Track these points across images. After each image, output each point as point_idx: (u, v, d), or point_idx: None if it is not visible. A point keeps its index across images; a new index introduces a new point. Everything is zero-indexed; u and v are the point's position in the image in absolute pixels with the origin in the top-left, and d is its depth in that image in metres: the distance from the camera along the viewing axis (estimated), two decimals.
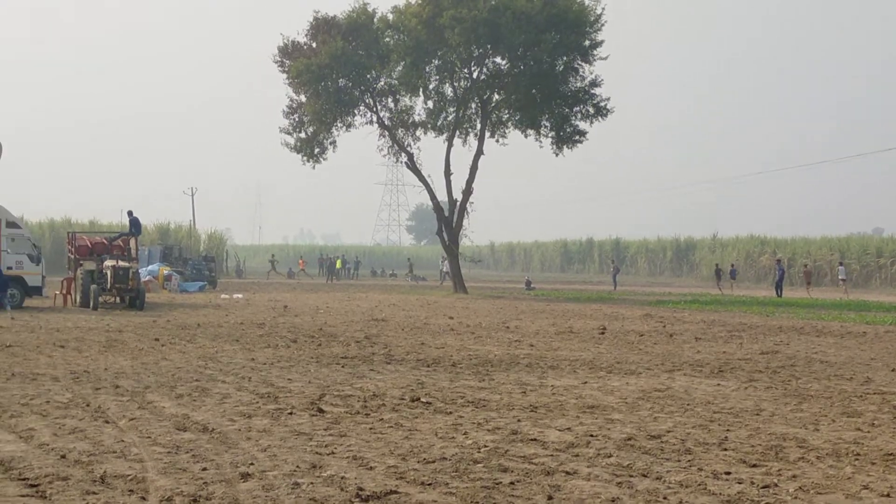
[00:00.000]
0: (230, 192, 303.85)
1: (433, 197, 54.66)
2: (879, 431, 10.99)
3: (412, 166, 54.73)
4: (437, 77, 53.23)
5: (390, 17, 52.03)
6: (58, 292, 36.24)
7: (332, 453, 9.36)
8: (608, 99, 51.32)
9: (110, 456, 9.08)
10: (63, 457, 8.99)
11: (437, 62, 52.00)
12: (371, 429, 10.72)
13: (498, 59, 52.55)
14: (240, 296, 44.92)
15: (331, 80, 51.54)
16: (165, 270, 51.65)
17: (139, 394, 13.11)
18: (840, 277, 62.40)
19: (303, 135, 54.07)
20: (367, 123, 54.80)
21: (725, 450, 9.80)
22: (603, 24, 50.17)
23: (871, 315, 34.75)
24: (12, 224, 33.93)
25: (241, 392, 13.44)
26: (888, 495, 7.93)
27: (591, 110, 51.48)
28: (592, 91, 51.29)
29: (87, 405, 12.04)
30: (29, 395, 12.76)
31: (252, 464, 8.78)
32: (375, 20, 52.23)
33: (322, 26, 51.74)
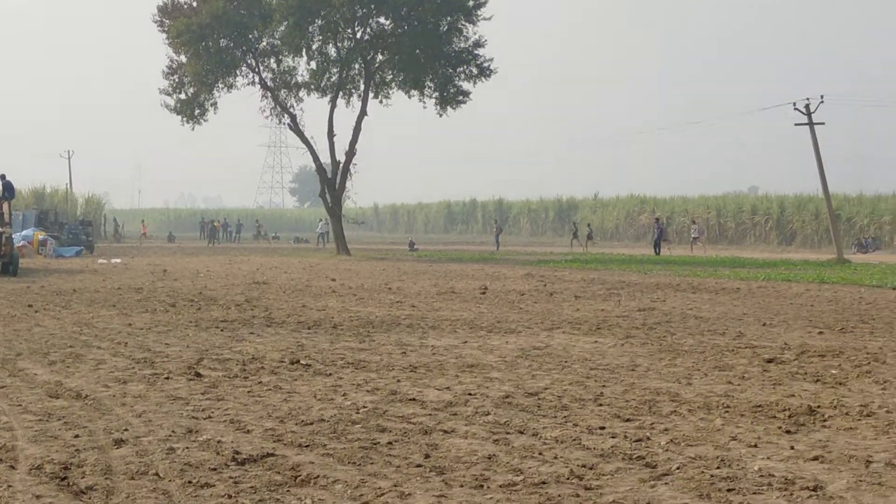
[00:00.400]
0: (109, 155, 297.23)
1: (316, 159, 54.33)
2: (749, 384, 11.28)
3: (295, 128, 54.34)
4: (321, 37, 52.77)
5: None
6: None
7: (209, 417, 9.27)
8: (492, 59, 51.75)
9: None
10: None
11: (320, 22, 51.51)
12: (249, 392, 10.64)
13: (382, 20, 52.37)
14: (118, 260, 44.11)
15: (212, 40, 50.75)
16: (40, 235, 50.42)
17: (10, 361, 12.78)
18: (693, 236, 63.83)
19: (183, 96, 53.23)
20: (249, 84, 54.24)
21: (601, 405, 9.96)
22: None
23: (745, 271, 35.63)
24: None
25: (117, 357, 13.21)
26: (755, 445, 8.14)
27: (475, 71, 51.84)
28: (476, 52, 51.50)
29: None
30: None
31: (126, 430, 8.64)
32: None
33: None
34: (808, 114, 49.04)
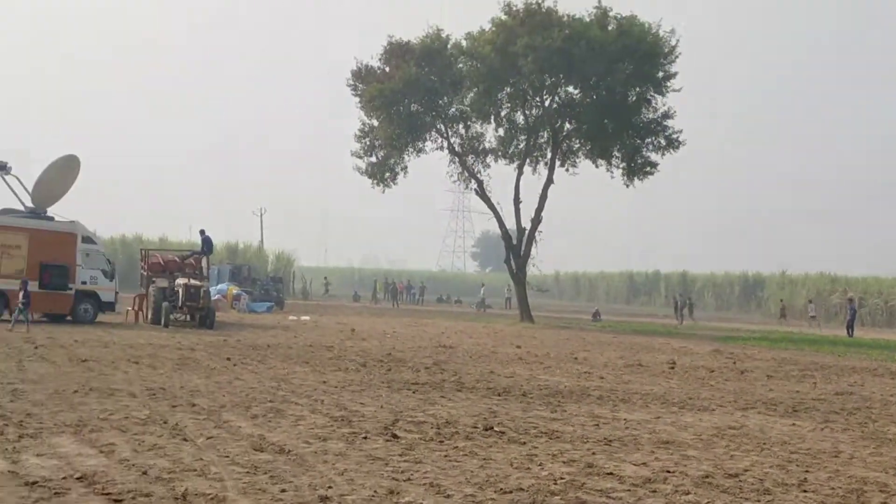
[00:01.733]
0: (297, 213, 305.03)
1: (502, 224, 54.60)
2: None
3: (482, 193, 54.68)
4: (509, 104, 53.26)
5: (464, 43, 52.01)
6: (130, 308, 36.75)
7: (409, 479, 9.38)
8: (680, 131, 51.07)
9: (190, 474, 9.17)
10: (144, 473, 9.10)
11: (509, 89, 52.03)
12: (446, 456, 10.72)
13: (570, 88, 52.47)
14: (307, 318, 45.16)
15: (403, 105, 51.77)
16: (234, 290, 52.18)
17: (215, 412, 13.23)
18: (810, 314, 62.15)
19: (373, 159, 54.36)
20: (437, 149, 54.95)
21: (805, 491, 9.67)
22: (677, 56, 49.87)
23: None
24: (87, 239, 34.34)
25: (315, 414, 13.51)
26: None
27: (663, 142, 51.19)
28: (665, 123, 51.06)
29: (165, 422, 12.17)
30: (108, 411, 12.94)
31: (330, 487, 8.82)
32: (449, 46, 52.24)
33: (396, 51, 51.92)
34: None
